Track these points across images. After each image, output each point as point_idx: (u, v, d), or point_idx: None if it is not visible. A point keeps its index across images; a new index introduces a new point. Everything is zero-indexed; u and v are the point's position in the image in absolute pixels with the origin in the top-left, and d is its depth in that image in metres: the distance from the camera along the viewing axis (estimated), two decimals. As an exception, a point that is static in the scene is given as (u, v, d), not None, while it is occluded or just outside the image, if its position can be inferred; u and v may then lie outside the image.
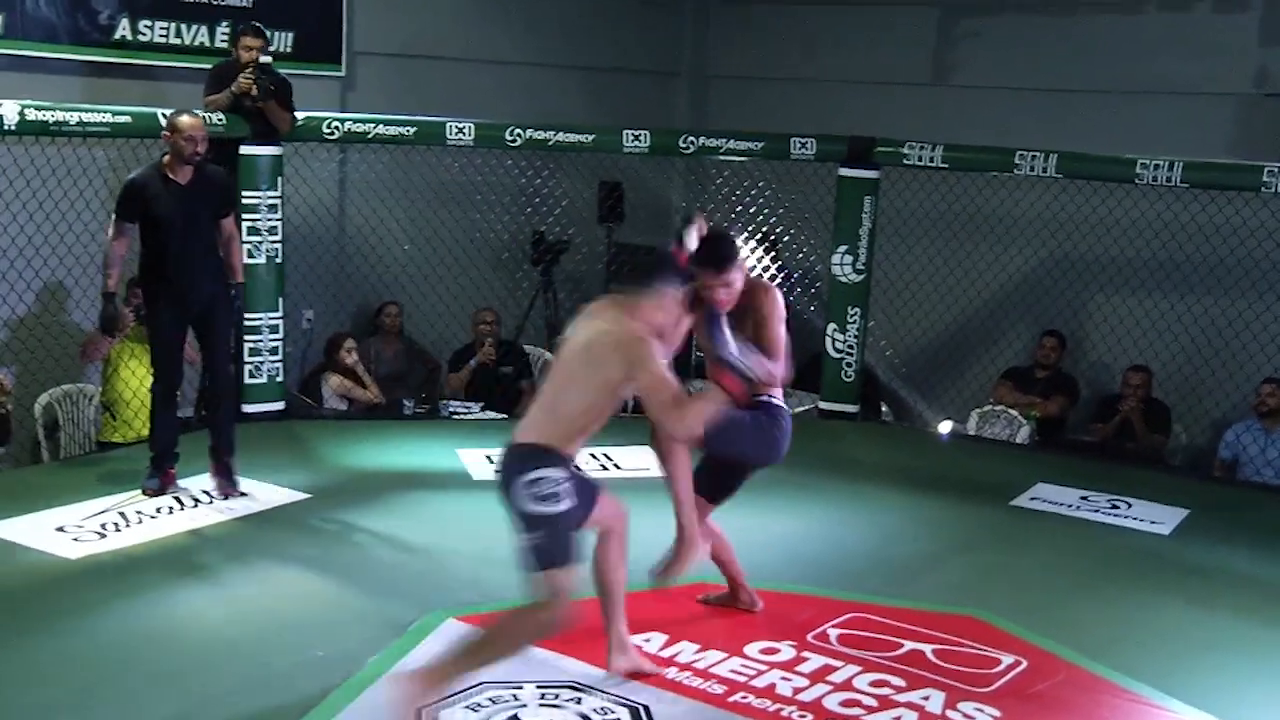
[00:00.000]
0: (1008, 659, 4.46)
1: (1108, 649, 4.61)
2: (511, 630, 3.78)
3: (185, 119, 5.82)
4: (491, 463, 6.57)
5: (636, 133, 7.91)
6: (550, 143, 7.86)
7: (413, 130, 7.59)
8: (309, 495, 6.01)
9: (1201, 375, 8.33)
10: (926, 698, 4.11)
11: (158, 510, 5.67)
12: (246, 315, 6.93)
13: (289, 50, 8.15)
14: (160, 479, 5.93)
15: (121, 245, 5.87)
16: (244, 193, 7.03)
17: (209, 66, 7.30)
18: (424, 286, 8.49)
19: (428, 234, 8.39)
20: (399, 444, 7.02)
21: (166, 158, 5.85)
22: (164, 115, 6.40)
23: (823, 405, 8.25)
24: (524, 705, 3.88)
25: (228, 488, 5.96)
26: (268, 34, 7.26)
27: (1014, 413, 8.23)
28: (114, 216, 5.86)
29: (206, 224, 5.89)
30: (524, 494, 3.72)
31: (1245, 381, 7.94)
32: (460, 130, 7.58)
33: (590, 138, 7.93)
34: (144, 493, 5.88)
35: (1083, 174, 7.61)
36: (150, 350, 6.04)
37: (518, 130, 7.72)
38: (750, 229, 8.91)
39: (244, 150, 7.08)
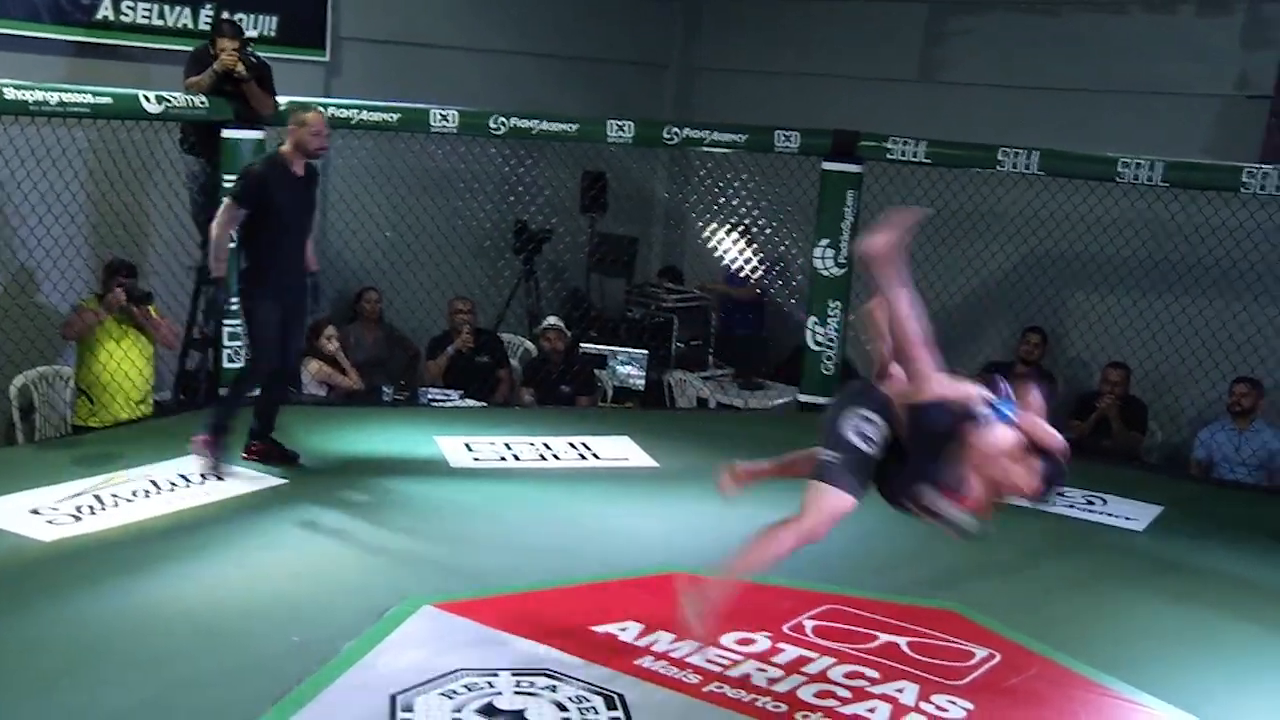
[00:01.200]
0: (981, 652, 4.49)
1: (1081, 643, 4.64)
2: (777, 534, 4.12)
3: (313, 115, 5.91)
4: (470, 450, 6.59)
5: (621, 123, 7.91)
6: (534, 131, 7.85)
7: (396, 117, 7.57)
8: (287, 481, 5.99)
9: (1178, 374, 8.37)
10: (900, 690, 4.13)
11: (134, 494, 5.64)
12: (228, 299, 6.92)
13: (273, 34, 8.12)
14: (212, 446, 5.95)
15: (230, 231, 5.88)
16: (226, 176, 7.00)
17: (191, 49, 7.26)
18: (405, 273, 8.47)
19: (409, 221, 8.37)
20: (378, 430, 7.00)
21: (285, 149, 5.92)
22: (148, 97, 6.38)
23: (802, 398, 8.28)
24: (499, 693, 3.88)
25: (285, 455, 6.14)
26: (244, 29, 7.25)
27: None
28: (229, 201, 5.89)
29: (309, 216, 6.04)
30: (851, 421, 4.07)
31: (1220, 381, 7.98)
32: (444, 117, 7.56)
33: (575, 127, 7.93)
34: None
35: (1065, 172, 7.66)
36: (253, 336, 6.07)
37: (502, 119, 7.71)
38: (732, 220, 8.92)
39: (226, 134, 7.04)
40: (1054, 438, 4.21)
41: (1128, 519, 6.36)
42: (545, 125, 7.82)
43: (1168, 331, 8.30)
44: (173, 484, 5.80)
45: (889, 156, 7.89)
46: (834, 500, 4.05)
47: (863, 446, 4.07)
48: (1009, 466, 4.04)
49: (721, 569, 4.15)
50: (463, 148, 8.31)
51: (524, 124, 7.76)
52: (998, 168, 7.67)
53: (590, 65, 9.88)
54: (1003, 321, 9.08)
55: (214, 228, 5.92)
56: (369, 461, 6.43)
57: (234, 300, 6.31)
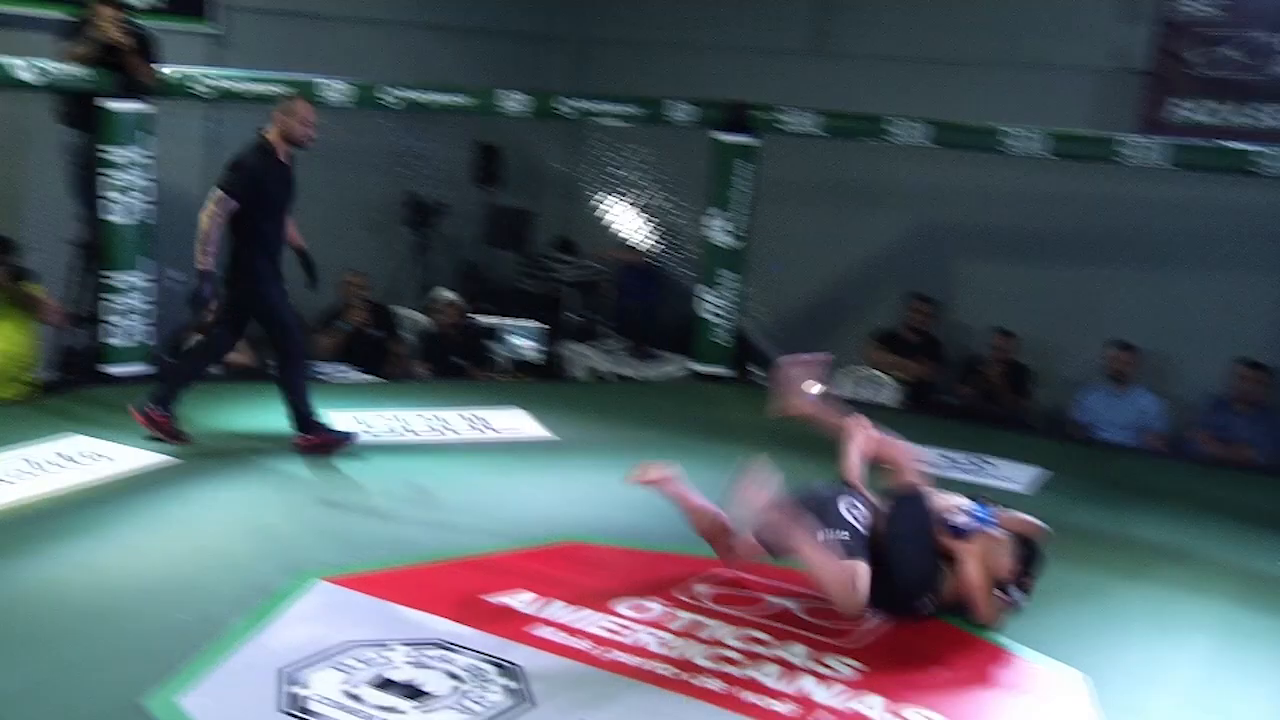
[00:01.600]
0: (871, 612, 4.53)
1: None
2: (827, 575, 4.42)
3: (302, 104, 5.91)
4: (363, 425, 6.53)
5: (514, 95, 7.85)
6: (426, 104, 7.76)
7: (285, 88, 7.42)
8: (175, 459, 5.88)
9: (1060, 339, 8.58)
10: (792, 651, 4.18)
11: (17, 473, 5.50)
12: (109, 275, 6.76)
13: (162, 4, 7.93)
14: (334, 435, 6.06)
15: (220, 224, 5.79)
16: (105, 149, 6.83)
17: (66, 17, 7.05)
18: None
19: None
20: (268, 406, 6.88)
21: (271, 136, 5.87)
22: (22, 65, 6.19)
23: (696, 368, 8.34)
24: (393, 665, 3.86)
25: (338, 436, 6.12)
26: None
27: (883, 375, 8.40)
28: (220, 194, 5.77)
29: (292, 203, 6.04)
30: (844, 502, 4.56)
31: (1100, 345, 8.20)
32: (334, 89, 7.44)
33: (467, 99, 7.85)
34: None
35: (953, 143, 7.78)
36: (272, 324, 6.05)
37: (393, 90, 7.61)
38: (623, 192, 8.93)
39: (107, 105, 6.85)
40: (1033, 524, 4.64)
41: (1012, 481, 6.52)
42: (437, 97, 7.74)
43: (1051, 298, 8.51)
44: (52, 463, 5.65)
45: (781, 128, 7.94)
46: (863, 574, 4.37)
47: (859, 528, 4.44)
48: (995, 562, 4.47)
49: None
50: (353, 120, 8.18)
51: (415, 96, 7.66)
52: (888, 139, 7.76)
53: (483, 37, 9.80)
54: (892, 290, 9.21)
55: (204, 219, 5.80)
56: (259, 438, 6.33)
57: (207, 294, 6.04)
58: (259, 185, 5.81)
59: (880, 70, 9.13)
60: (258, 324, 6.17)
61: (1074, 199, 8.08)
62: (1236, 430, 7.63)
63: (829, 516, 4.48)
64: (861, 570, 4.37)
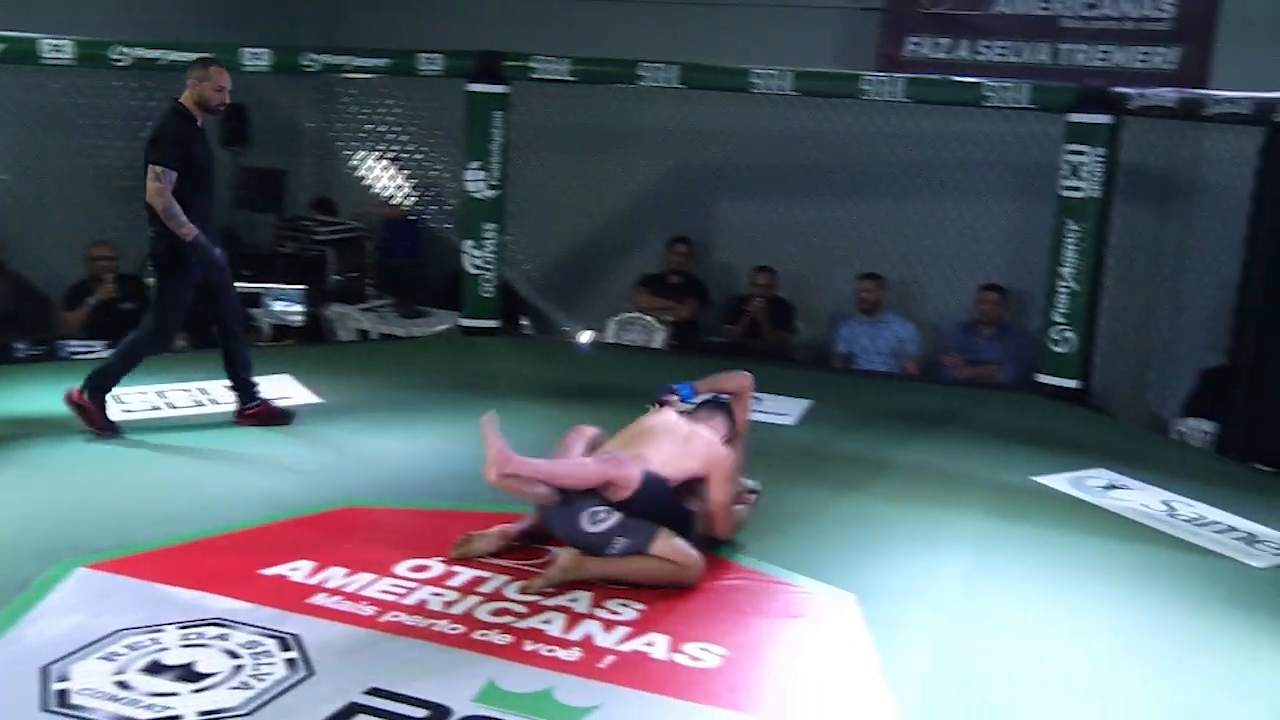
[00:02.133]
0: None
1: (740, 537, 4.83)
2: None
3: (216, 68, 5.71)
4: (119, 402, 6.26)
5: (256, 51, 7.57)
6: (162, 62, 7.41)
7: (2, 48, 6.98)
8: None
9: (818, 273, 8.85)
10: (574, 599, 4.20)
11: None
12: None
13: None
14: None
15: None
16: None
17: None
18: (29, 219, 7.88)
19: (28, 162, 7.78)
20: (13, 389, 6.54)
21: (185, 101, 5.71)
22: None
23: (463, 322, 8.28)
24: (165, 648, 3.73)
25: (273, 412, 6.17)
26: None
27: (650, 318, 8.51)
28: (160, 169, 5.60)
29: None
30: (585, 514, 4.39)
31: (855, 278, 8.49)
32: (57, 48, 7.04)
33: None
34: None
35: (703, 84, 7.85)
36: (167, 301, 5.87)
37: (124, 49, 7.24)
38: (380, 147, 8.76)
39: None
40: (734, 379, 4.90)
41: (781, 414, 6.69)
42: (174, 55, 7.37)
43: (805, 234, 8.75)
44: None
45: (533, 75, 7.90)
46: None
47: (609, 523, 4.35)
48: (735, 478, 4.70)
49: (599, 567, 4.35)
50: (84, 81, 7.76)
51: (149, 54, 7.31)
52: (640, 82, 7.80)
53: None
54: (653, 234, 9.32)
55: (156, 199, 5.63)
56: (7, 423, 5.99)
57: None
58: (187, 155, 5.65)
59: (630, 13, 9.17)
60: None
61: (822, 136, 8.31)
62: (983, 351, 8.05)
63: (586, 541, 4.37)
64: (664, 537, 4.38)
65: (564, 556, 4.35)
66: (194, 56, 7.31)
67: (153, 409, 6.31)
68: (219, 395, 6.54)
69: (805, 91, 7.66)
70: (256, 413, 6.15)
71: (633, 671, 3.74)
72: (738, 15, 8.99)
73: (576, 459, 4.56)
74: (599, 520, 4.35)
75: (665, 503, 4.48)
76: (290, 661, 3.68)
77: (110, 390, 5.89)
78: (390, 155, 9.08)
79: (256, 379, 6.20)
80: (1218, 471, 6.25)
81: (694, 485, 4.61)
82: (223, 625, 3.90)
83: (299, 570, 4.33)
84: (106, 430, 5.82)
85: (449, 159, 8.73)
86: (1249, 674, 4.05)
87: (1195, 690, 3.91)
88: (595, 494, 4.37)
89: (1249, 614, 4.49)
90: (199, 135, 5.78)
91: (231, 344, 6.14)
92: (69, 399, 5.83)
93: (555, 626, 4.00)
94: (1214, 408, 6.88)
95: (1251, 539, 5.22)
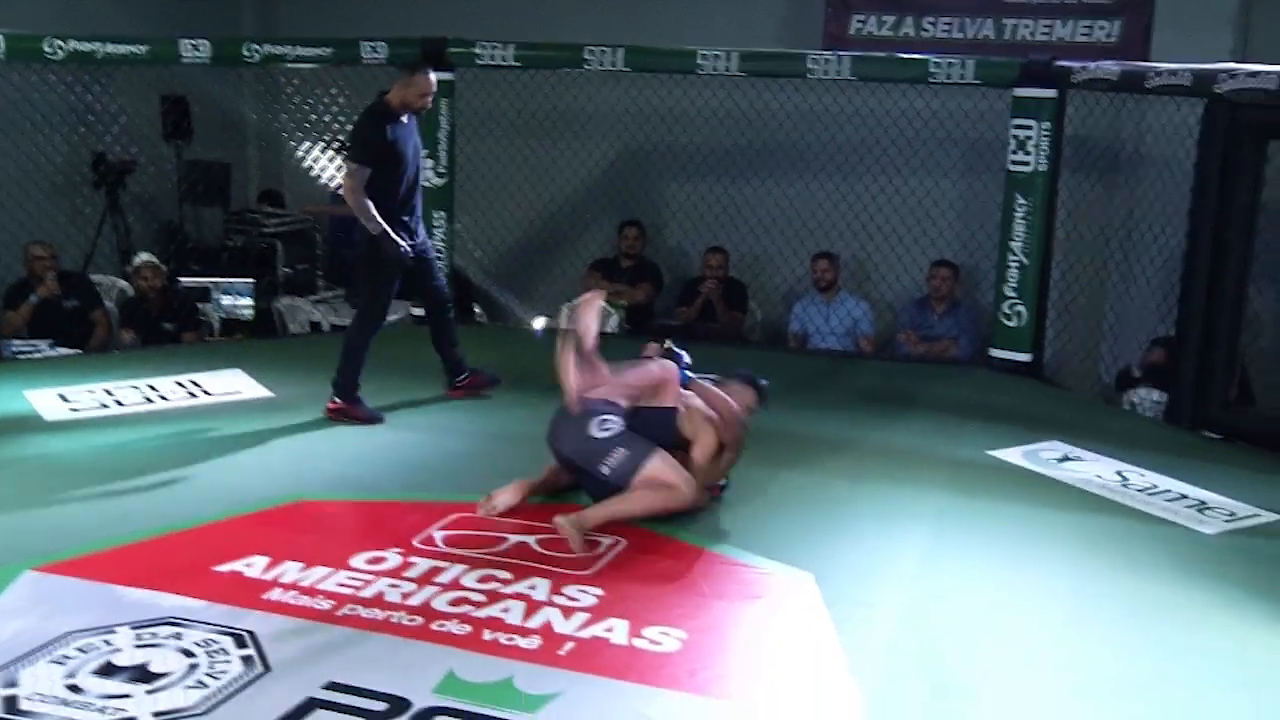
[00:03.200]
0: (607, 540, 4.60)
1: (698, 519, 4.84)
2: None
3: (422, 78, 5.97)
4: (66, 401, 6.17)
5: (195, 42, 7.48)
6: (99, 55, 7.30)
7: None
8: None
9: (770, 253, 8.86)
10: (533, 587, 4.18)
11: None
12: None
13: None
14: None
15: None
16: None
17: None
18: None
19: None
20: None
21: (390, 98, 5.98)
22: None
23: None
24: (118, 649, 3.67)
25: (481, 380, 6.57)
26: None
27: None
28: (356, 166, 5.91)
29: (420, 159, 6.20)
30: (594, 423, 4.79)
31: (807, 256, 8.50)
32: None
33: (144, 49, 7.43)
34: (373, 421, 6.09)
35: (649, 66, 7.84)
36: (373, 288, 6.20)
37: (59, 42, 7.11)
38: (327, 138, 8.67)
39: None
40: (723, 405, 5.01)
41: (735, 395, 6.69)
42: (110, 48, 7.28)
43: (757, 214, 8.76)
44: None
45: (479, 62, 7.85)
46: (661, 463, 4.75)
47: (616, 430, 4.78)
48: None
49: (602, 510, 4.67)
50: (16, 76, 7.62)
51: (85, 47, 7.19)
52: (586, 67, 7.76)
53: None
54: (605, 218, 9.30)
55: (352, 197, 5.94)
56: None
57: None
58: (382, 150, 5.92)
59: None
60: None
61: (771, 115, 8.31)
62: (936, 328, 8.09)
63: (592, 452, 4.78)
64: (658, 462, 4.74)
65: (566, 521, 4.55)
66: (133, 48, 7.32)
67: (101, 407, 6.22)
68: (168, 392, 6.47)
69: (751, 72, 7.65)
70: (467, 384, 6.53)
71: (593, 657, 3.72)
72: (679, -4, 8.98)
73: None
74: (606, 428, 4.76)
75: (665, 433, 4.83)
76: (246, 658, 3.64)
77: (358, 386, 6.17)
78: (337, 145, 8.98)
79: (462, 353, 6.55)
80: (1168, 440, 6.31)
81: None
82: (176, 624, 3.84)
83: (253, 566, 4.28)
84: (375, 420, 6.11)
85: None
86: (1202, 639, 4.09)
87: (1150, 656, 3.95)
88: (610, 405, 4.82)
89: (1201, 580, 4.54)
90: (399, 130, 5.98)
91: (436, 323, 6.49)
92: (327, 412, 6.13)
93: (514, 614, 3.98)
94: (1163, 378, 6.94)
95: (1202, 506, 5.29)
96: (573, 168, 8.95)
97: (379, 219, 5.94)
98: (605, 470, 4.75)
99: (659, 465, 4.73)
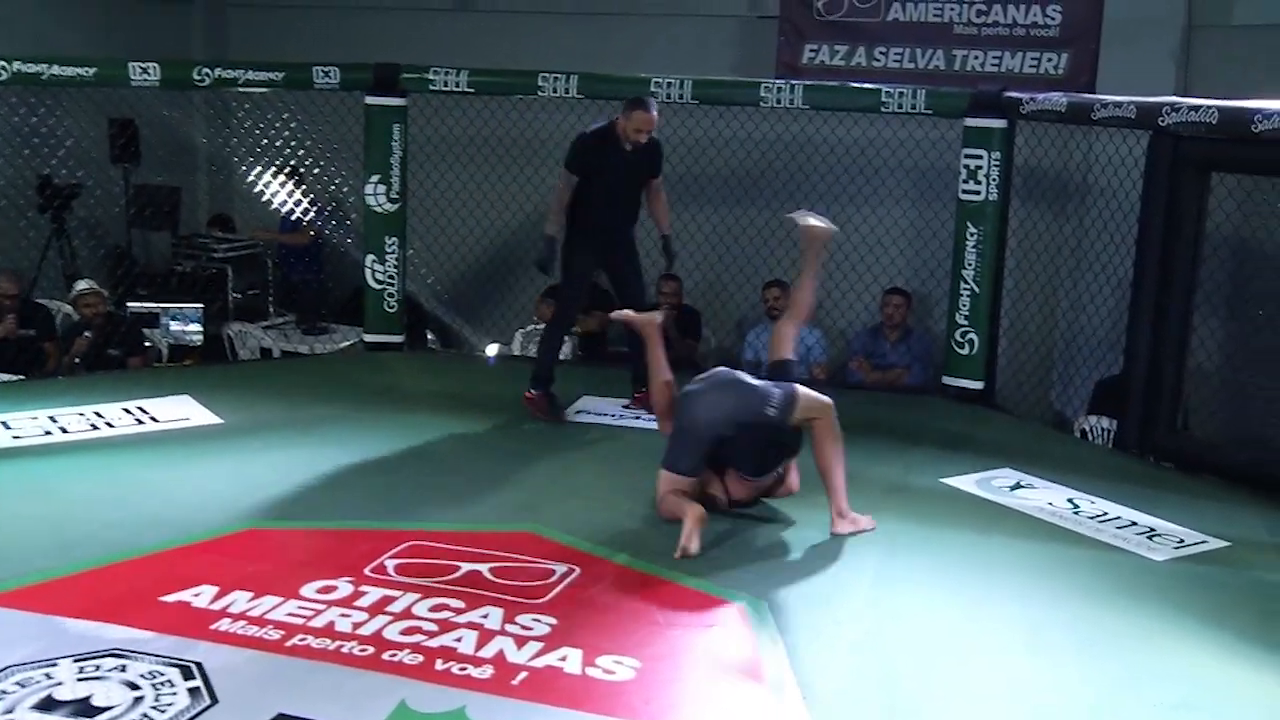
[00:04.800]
0: (561, 568, 4.56)
1: (652, 548, 4.82)
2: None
3: (641, 116, 6.34)
4: (7, 429, 6.07)
5: (144, 65, 7.39)
6: (44, 77, 7.21)
7: None
8: None
9: (724, 281, 8.87)
10: (485, 615, 4.13)
11: None
12: None
13: None
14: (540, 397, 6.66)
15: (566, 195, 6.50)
16: None
17: None
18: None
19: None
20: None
21: (617, 124, 6.42)
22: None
23: (368, 338, 8.15)
24: (59, 683, 3.59)
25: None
26: None
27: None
28: (563, 170, 6.51)
29: (638, 186, 6.63)
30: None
31: (760, 285, 8.52)
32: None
33: (91, 71, 7.34)
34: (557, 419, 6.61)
35: (602, 94, 7.79)
36: (563, 288, 6.86)
37: (2, 62, 7.02)
38: (278, 163, 8.61)
39: None
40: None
41: (688, 422, 6.67)
42: (57, 70, 7.18)
43: (710, 241, 8.77)
44: None
45: (432, 87, 7.82)
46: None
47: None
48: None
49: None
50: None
51: (31, 69, 7.10)
52: (539, 93, 7.76)
53: (105, 2, 9.18)
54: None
55: (554, 195, 6.59)
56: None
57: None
58: (591, 165, 6.44)
59: (528, 24, 9.14)
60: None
61: (724, 143, 8.34)
62: (889, 355, 8.12)
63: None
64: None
65: (845, 523, 5.02)
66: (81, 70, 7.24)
67: (45, 434, 6.11)
68: (114, 418, 6.37)
69: (705, 99, 7.67)
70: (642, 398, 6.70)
71: (546, 687, 3.69)
72: (636, 25, 9.01)
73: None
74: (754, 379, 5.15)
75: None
76: (193, 690, 3.57)
77: (552, 381, 6.70)
78: (289, 170, 8.93)
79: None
80: (1119, 468, 6.34)
81: None
82: (121, 656, 3.77)
83: (201, 596, 4.21)
84: (556, 417, 6.63)
85: (349, 173, 8.61)
86: (1152, 665, 4.11)
87: (1100, 683, 3.97)
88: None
89: (1150, 606, 4.57)
90: (614, 153, 6.42)
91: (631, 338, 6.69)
92: (524, 400, 6.68)
93: (467, 644, 3.93)
94: (1112, 405, 7.00)
95: (1152, 534, 5.32)
96: (526, 194, 8.93)
97: (552, 226, 6.59)
98: (771, 411, 5.00)
99: (804, 390, 5.15)
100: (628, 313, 5.79)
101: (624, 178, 6.52)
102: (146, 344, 7.98)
